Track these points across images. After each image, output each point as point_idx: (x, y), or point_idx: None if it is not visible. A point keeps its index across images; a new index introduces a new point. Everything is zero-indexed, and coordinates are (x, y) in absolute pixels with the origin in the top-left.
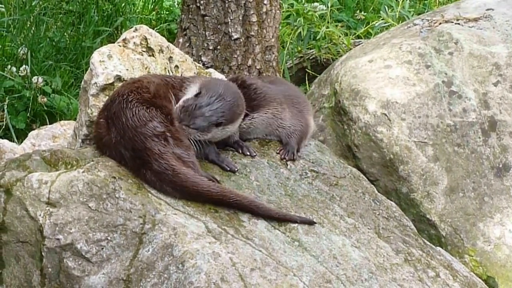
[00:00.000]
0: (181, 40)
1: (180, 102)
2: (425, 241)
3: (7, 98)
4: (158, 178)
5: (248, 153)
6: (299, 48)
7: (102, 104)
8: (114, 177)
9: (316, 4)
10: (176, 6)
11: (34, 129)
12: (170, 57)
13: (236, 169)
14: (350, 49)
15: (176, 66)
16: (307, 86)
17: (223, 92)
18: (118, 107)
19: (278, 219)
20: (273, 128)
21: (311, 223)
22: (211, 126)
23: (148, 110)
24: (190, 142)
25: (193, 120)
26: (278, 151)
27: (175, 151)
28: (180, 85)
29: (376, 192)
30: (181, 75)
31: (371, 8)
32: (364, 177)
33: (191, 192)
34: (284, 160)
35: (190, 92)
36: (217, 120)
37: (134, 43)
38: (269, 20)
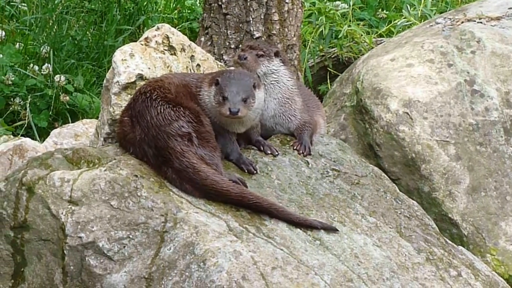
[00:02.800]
0: (202, 38)
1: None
2: (447, 240)
3: (29, 96)
4: (179, 176)
5: (270, 152)
6: (321, 47)
7: (124, 103)
8: (136, 176)
9: (338, 2)
10: (198, 4)
11: (56, 128)
12: (192, 55)
13: (255, 171)
14: (372, 47)
15: (198, 65)
16: (329, 84)
17: (235, 75)
18: (142, 105)
19: (299, 223)
20: (285, 111)
21: (333, 230)
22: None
23: (174, 109)
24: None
25: (229, 104)
26: (293, 146)
27: (199, 152)
28: (198, 86)
29: (398, 191)
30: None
31: (393, 7)
32: (385, 176)
33: (210, 191)
34: (302, 155)
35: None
36: (245, 95)
37: (156, 41)
38: (290, 18)
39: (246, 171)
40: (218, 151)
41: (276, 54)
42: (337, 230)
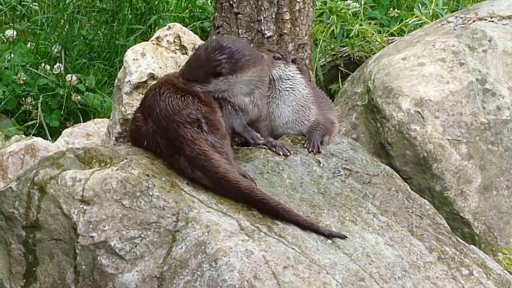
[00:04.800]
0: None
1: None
2: (459, 239)
3: (41, 96)
4: (191, 163)
5: (281, 153)
6: (332, 46)
7: (136, 102)
8: (148, 175)
9: (349, 1)
10: (209, 4)
11: (68, 127)
12: None
13: (260, 142)
14: (384, 46)
15: None
16: (340, 84)
17: (222, 42)
18: (152, 100)
19: (305, 227)
20: (298, 118)
21: (341, 237)
22: (209, 76)
23: (182, 98)
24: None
25: (192, 72)
26: (303, 144)
27: (209, 139)
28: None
29: (410, 190)
30: None
31: (405, 6)
32: (397, 175)
33: (221, 179)
34: (312, 153)
35: None
36: (215, 70)
37: (168, 41)
38: (302, 18)
39: (252, 142)
40: (228, 140)
41: (294, 61)
42: (346, 237)
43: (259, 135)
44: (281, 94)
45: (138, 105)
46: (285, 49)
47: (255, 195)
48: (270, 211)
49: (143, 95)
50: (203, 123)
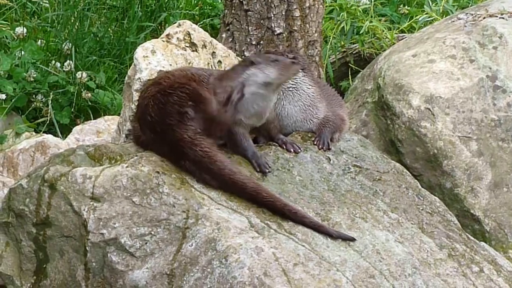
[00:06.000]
0: (224, 35)
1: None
2: (469, 236)
3: (51, 93)
4: (197, 167)
5: (292, 150)
6: (342, 43)
7: None
8: (158, 172)
9: None
10: (219, 1)
11: (78, 124)
12: (213, 52)
13: (267, 171)
14: (394, 43)
15: (219, 61)
16: (350, 80)
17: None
18: (141, 108)
19: (313, 228)
20: (307, 117)
21: (349, 239)
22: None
23: (163, 95)
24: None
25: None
26: (313, 141)
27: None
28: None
29: (420, 187)
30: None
31: (415, 2)
32: (407, 172)
33: (227, 181)
34: (322, 150)
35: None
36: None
37: (178, 38)
38: (312, 14)
39: (258, 169)
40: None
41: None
42: (354, 239)
43: (268, 164)
44: (285, 94)
45: (135, 111)
46: (285, 49)
47: (262, 196)
48: (277, 213)
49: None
50: (188, 107)
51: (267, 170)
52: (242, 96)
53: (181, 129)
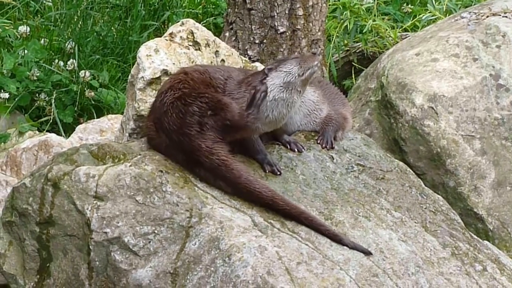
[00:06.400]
0: (227, 34)
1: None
2: (472, 235)
3: (54, 92)
4: (212, 174)
5: (296, 149)
6: (346, 42)
7: (149, 98)
8: (161, 171)
9: None
10: (222, 0)
11: (81, 123)
12: (217, 51)
13: (278, 173)
14: (397, 42)
15: (222, 60)
16: (354, 79)
17: None
18: (159, 111)
19: (328, 237)
20: (310, 120)
21: (365, 252)
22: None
23: (184, 107)
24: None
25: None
26: (316, 140)
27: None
28: (223, 83)
29: (423, 185)
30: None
31: (418, 1)
32: (411, 170)
33: (242, 189)
34: (326, 149)
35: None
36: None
37: (181, 37)
38: (315, 13)
39: (268, 172)
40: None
41: None
42: (371, 253)
43: (278, 164)
44: None
45: (150, 109)
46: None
47: (277, 205)
48: (293, 220)
49: (154, 99)
50: (210, 117)
51: (278, 173)
52: (265, 97)
53: (199, 139)
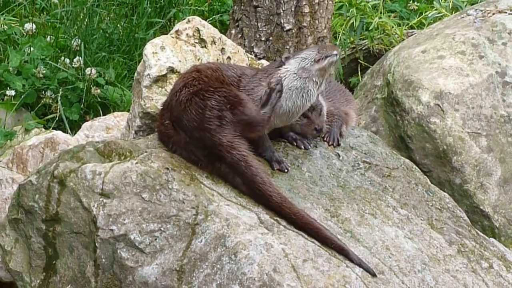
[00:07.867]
0: (233, 31)
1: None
2: (478, 232)
3: (61, 89)
4: (232, 170)
5: (302, 146)
6: (352, 39)
7: (155, 96)
8: (167, 168)
9: None
10: None
11: (87, 121)
12: (223, 48)
13: (286, 171)
14: (403, 39)
15: (229, 58)
16: (360, 77)
17: None
18: (176, 109)
19: (334, 249)
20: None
21: (370, 272)
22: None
23: (202, 102)
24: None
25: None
26: (322, 137)
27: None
28: (236, 79)
29: (429, 183)
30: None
31: None
32: (417, 168)
33: (255, 188)
34: (333, 146)
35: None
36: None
37: (187, 34)
38: (321, 11)
39: (276, 169)
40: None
41: None
42: (375, 275)
43: (285, 161)
44: None
45: (163, 107)
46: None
47: (285, 213)
48: (299, 228)
49: (168, 97)
50: (229, 111)
51: (286, 170)
52: (280, 97)
53: (220, 134)
